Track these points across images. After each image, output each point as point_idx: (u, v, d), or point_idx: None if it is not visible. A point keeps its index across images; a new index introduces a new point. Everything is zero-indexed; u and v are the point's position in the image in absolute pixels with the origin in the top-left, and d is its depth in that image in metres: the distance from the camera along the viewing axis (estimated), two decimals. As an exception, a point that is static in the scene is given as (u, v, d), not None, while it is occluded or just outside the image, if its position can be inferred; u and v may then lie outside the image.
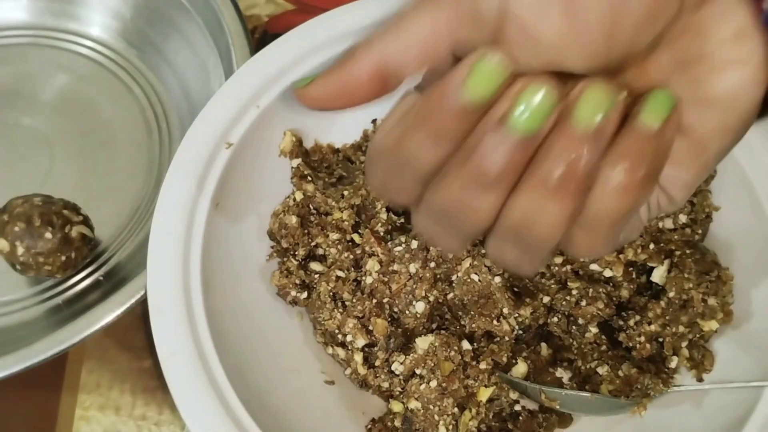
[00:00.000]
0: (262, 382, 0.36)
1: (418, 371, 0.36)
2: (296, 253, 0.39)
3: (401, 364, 0.36)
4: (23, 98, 0.49)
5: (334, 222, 0.39)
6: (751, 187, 0.38)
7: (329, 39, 0.39)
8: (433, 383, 0.35)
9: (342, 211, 0.39)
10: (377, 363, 0.37)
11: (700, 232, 0.39)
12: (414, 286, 0.37)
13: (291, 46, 0.39)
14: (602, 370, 0.37)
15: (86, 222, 0.41)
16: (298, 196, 0.40)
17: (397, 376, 0.37)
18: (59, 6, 0.52)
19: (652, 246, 0.38)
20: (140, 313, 0.42)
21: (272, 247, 0.40)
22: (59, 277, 0.41)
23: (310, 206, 0.40)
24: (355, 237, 0.39)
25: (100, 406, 0.41)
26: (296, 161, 0.40)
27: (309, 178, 0.40)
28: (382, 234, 0.38)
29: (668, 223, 0.39)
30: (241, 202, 0.38)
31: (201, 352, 0.33)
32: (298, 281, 0.38)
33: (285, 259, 0.39)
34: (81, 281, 0.43)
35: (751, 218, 0.38)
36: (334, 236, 0.39)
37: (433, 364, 0.36)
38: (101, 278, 0.43)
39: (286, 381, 0.37)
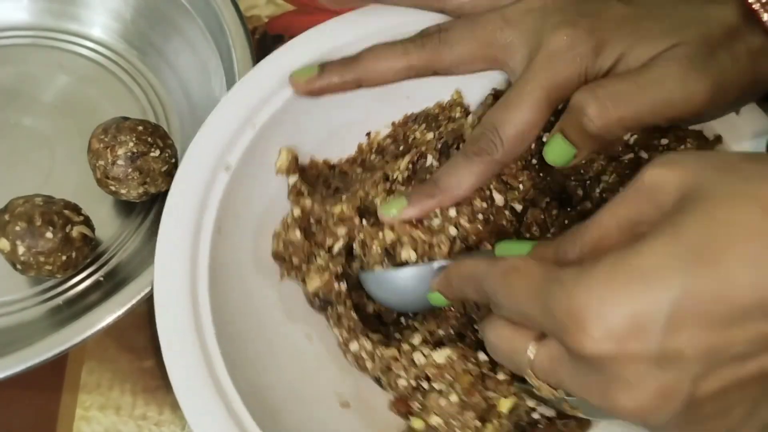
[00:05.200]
0: (277, 402, 0.36)
1: (436, 386, 0.36)
2: (319, 253, 0.39)
3: (424, 356, 0.36)
4: (24, 99, 0.49)
5: (336, 217, 0.39)
6: None
7: (319, 55, 0.40)
8: (453, 397, 0.35)
9: (343, 204, 0.39)
10: (405, 348, 0.37)
11: None
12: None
13: (281, 64, 0.40)
14: None
15: (87, 222, 0.41)
16: (296, 212, 0.39)
17: (416, 367, 0.36)
18: (60, 7, 0.52)
19: None
20: (141, 313, 0.43)
21: (280, 266, 0.39)
22: (60, 277, 0.41)
23: (310, 219, 0.40)
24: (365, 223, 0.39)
25: (100, 406, 0.41)
26: (293, 178, 0.40)
27: (306, 194, 0.40)
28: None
29: None
30: (243, 225, 0.38)
31: (215, 378, 0.33)
32: (340, 270, 0.38)
33: (308, 264, 0.39)
34: (82, 281, 0.43)
35: None
36: (342, 230, 0.39)
37: (451, 378, 0.35)
38: (102, 279, 0.43)
39: (302, 401, 0.37)
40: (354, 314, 0.38)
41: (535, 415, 0.37)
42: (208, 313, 0.34)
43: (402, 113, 0.43)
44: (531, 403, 0.37)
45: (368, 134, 0.43)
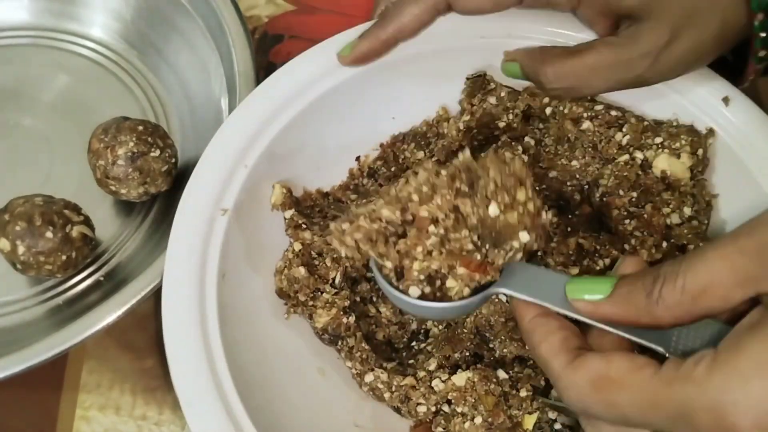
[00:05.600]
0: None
1: (459, 409, 0.36)
2: (324, 289, 0.38)
3: (443, 382, 0.36)
4: (24, 99, 0.49)
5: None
6: (742, 164, 0.39)
7: (302, 88, 0.39)
8: (478, 419, 0.35)
9: None
10: (421, 375, 0.37)
11: (706, 222, 0.39)
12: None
13: (265, 101, 0.39)
14: None
15: (87, 222, 0.41)
16: (297, 246, 0.39)
17: (435, 394, 0.36)
18: (60, 7, 0.52)
19: (665, 244, 0.38)
20: (141, 313, 0.43)
21: (285, 303, 0.39)
22: (60, 276, 0.41)
23: (311, 252, 0.39)
24: None
25: (100, 406, 0.41)
26: (289, 212, 0.40)
27: (304, 226, 0.39)
28: None
29: (675, 218, 0.39)
30: (246, 266, 0.38)
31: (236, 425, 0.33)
32: (347, 303, 0.38)
33: (313, 301, 0.39)
34: (81, 281, 0.43)
35: (747, 195, 0.39)
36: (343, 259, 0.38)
37: (473, 400, 0.35)
38: (102, 278, 0.43)
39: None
40: (365, 345, 0.38)
41: (557, 426, 0.37)
42: (223, 361, 0.34)
43: (389, 134, 0.43)
44: (552, 414, 0.37)
45: (358, 158, 0.43)
